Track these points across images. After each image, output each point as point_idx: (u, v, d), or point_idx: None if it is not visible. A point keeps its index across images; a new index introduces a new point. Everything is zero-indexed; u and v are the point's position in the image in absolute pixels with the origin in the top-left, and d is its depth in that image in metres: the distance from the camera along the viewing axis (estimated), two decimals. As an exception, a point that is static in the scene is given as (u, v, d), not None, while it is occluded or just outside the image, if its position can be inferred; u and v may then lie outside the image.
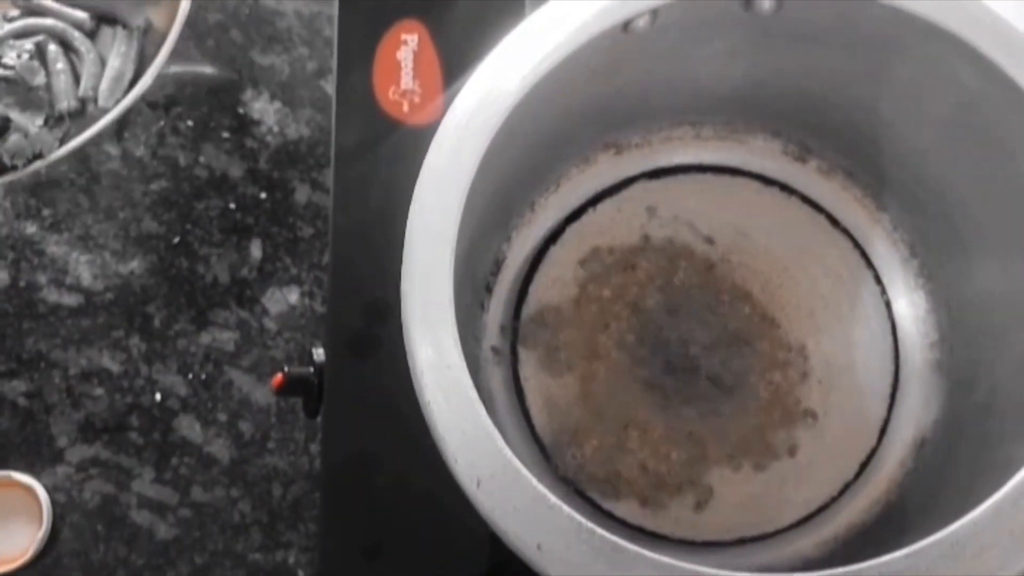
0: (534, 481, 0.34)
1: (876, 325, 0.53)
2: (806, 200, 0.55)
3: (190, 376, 0.71)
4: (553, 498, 0.33)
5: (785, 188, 0.55)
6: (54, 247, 0.73)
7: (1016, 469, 0.35)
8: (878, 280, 0.53)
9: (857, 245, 0.54)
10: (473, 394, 0.35)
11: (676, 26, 0.44)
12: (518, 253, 0.55)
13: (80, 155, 0.74)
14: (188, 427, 0.70)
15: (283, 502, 0.69)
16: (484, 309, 0.55)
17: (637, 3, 0.41)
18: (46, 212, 0.74)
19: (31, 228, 0.73)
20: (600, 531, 0.33)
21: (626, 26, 0.43)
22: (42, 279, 0.73)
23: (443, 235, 0.37)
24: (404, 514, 0.52)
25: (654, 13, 0.42)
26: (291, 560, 0.68)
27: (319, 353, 0.59)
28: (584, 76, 0.46)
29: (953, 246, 0.50)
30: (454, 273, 0.43)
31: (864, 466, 0.51)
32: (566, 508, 0.33)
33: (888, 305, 0.53)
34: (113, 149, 0.75)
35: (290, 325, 0.72)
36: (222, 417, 0.70)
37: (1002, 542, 0.33)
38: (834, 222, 0.54)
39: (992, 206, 0.45)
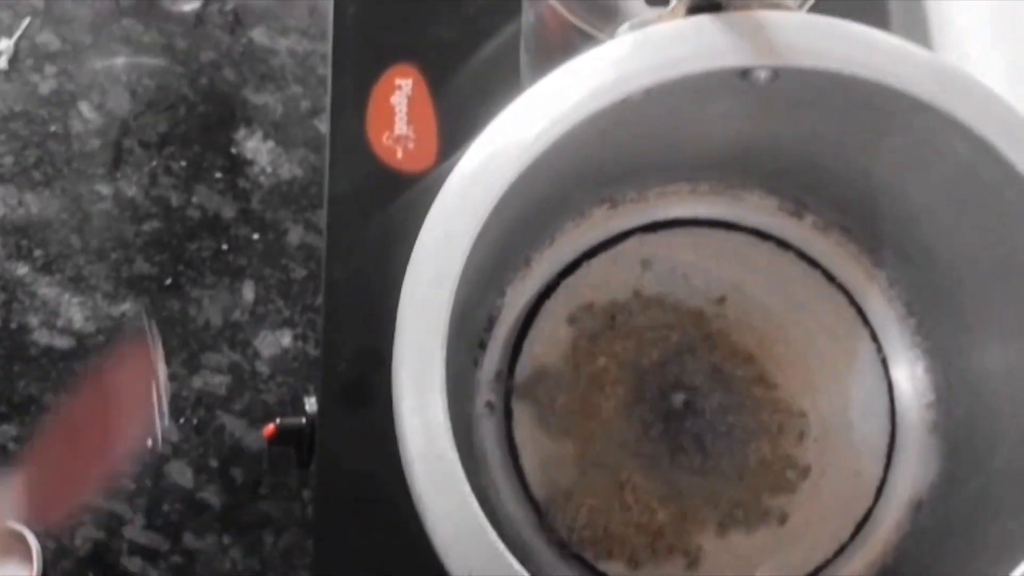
0: (524, 574, 0.33)
1: (872, 384, 0.53)
2: (802, 256, 0.54)
3: (182, 420, 0.70)
4: (545, 593, 0.33)
5: (781, 243, 0.55)
6: (46, 288, 0.73)
7: (1012, 547, 0.35)
8: (874, 338, 0.53)
9: (853, 302, 0.54)
10: (466, 488, 0.34)
11: (673, 94, 0.44)
12: (512, 308, 0.55)
13: (72, 195, 0.74)
14: (179, 473, 0.69)
15: (275, 550, 0.68)
16: (478, 365, 0.54)
17: (638, 81, 0.41)
18: (38, 253, 0.73)
19: (23, 269, 0.73)
20: (593, 627, 0.33)
21: (624, 99, 0.42)
22: (34, 321, 0.72)
23: (435, 323, 0.37)
24: (398, 568, 0.52)
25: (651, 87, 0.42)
26: (283, 608, 0.68)
27: (311, 403, 0.58)
28: (581, 141, 0.46)
29: (950, 307, 0.50)
30: (447, 347, 0.43)
31: (860, 527, 0.51)
32: (558, 604, 0.33)
33: (884, 363, 0.53)
34: (105, 189, 0.74)
35: (282, 368, 0.71)
36: (213, 463, 0.70)
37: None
38: (830, 278, 0.54)
39: (987, 276, 0.45)
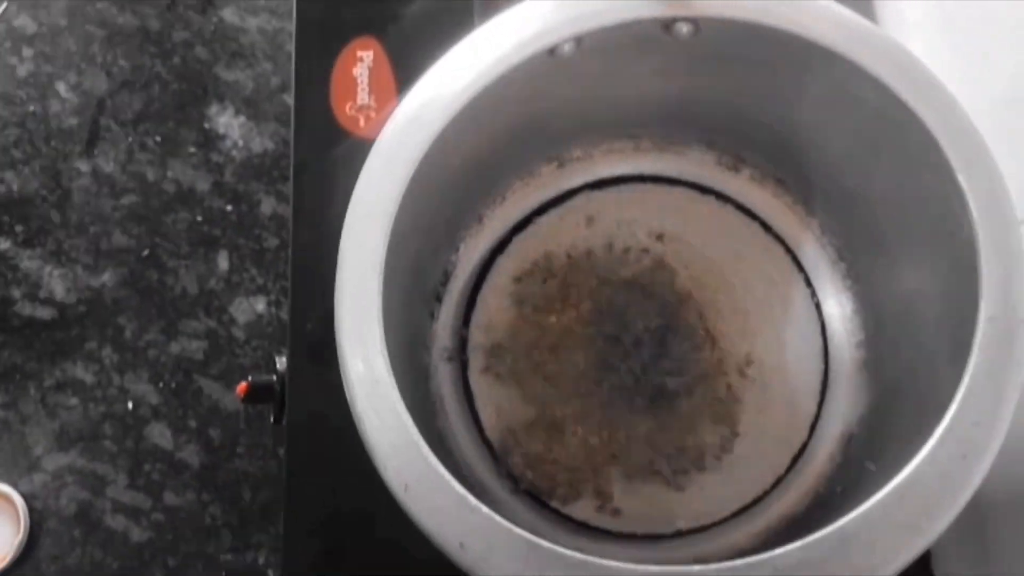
0: (456, 484, 0.36)
1: (807, 326, 0.56)
2: (740, 208, 0.57)
3: (161, 385, 0.73)
4: (473, 500, 0.36)
5: (721, 196, 0.57)
6: (27, 262, 0.75)
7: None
8: (808, 283, 0.56)
9: (789, 250, 0.57)
10: (400, 407, 0.37)
11: (602, 50, 0.46)
12: (466, 263, 0.58)
13: (51, 172, 0.77)
14: (159, 434, 0.72)
15: (253, 505, 0.71)
16: (434, 318, 0.57)
17: (560, 30, 0.44)
18: (19, 228, 0.76)
19: (4, 244, 0.76)
20: (517, 530, 0.36)
21: (552, 51, 0.45)
22: (16, 294, 0.75)
23: (372, 254, 0.39)
24: (367, 519, 0.54)
25: (578, 40, 0.45)
26: (261, 561, 0.71)
27: (282, 361, 0.61)
28: (519, 96, 0.49)
29: (875, 250, 0.52)
30: (396, 287, 0.46)
31: (795, 460, 0.54)
32: (485, 509, 0.36)
33: (818, 307, 0.56)
34: (83, 166, 0.77)
35: (257, 333, 0.74)
36: (192, 424, 0.73)
37: (889, 535, 0.35)
38: (767, 228, 0.57)
39: (904, 213, 0.47)
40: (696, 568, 0.34)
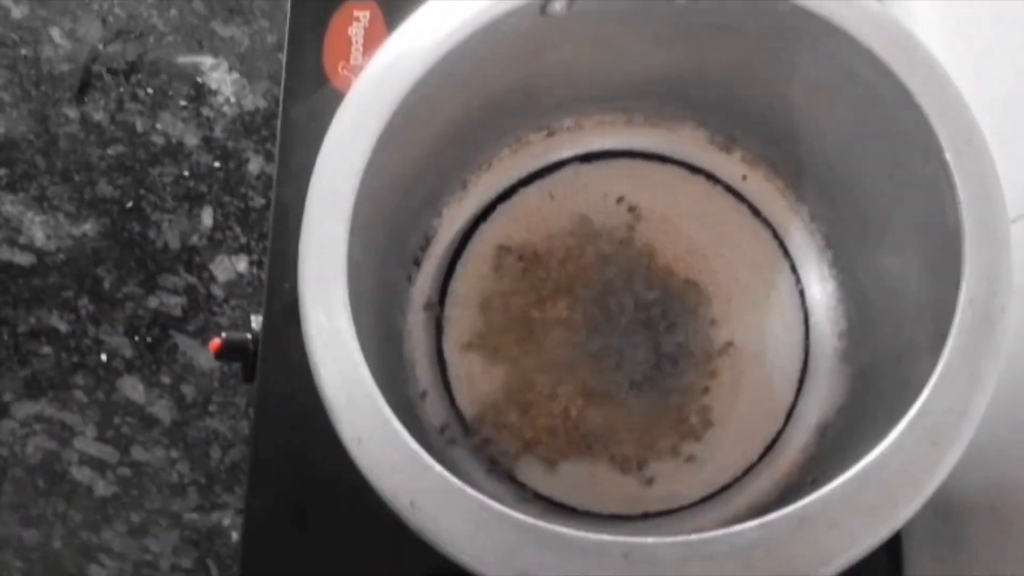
0: (410, 440, 0.35)
1: (789, 313, 0.54)
2: (730, 190, 0.56)
3: (136, 338, 0.72)
4: (427, 458, 0.35)
5: (711, 177, 0.56)
6: (9, 206, 0.74)
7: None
8: (794, 269, 0.55)
9: (776, 236, 0.55)
10: (359, 357, 0.36)
11: (595, 12, 0.45)
12: (448, 230, 0.56)
13: (39, 117, 0.75)
14: (131, 388, 0.71)
15: (221, 465, 0.70)
16: (412, 282, 0.56)
17: (549, -13, 0.42)
18: (2, 172, 0.75)
19: (-13, 187, 0.75)
20: (470, 491, 0.35)
21: (543, 9, 0.44)
22: (-4, 237, 0.74)
23: (340, 204, 0.38)
24: (332, 483, 0.53)
25: (569, -1, 0.44)
26: (226, 522, 0.70)
27: (257, 320, 0.60)
28: (507, 56, 0.47)
29: (862, 237, 0.51)
30: (370, 244, 0.45)
31: (768, 449, 0.53)
32: (438, 467, 0.35)
33: (802, 294, 0.54)
34: (72, 112, 0.76)
35: (237, 293, 0.73)
36: (165, 380, 0.72)
37: (850, 519, 0.34)
38: (756, 212, 0.56)
39: (893, 199, 0.46)
40: (650, 540, 0.33)
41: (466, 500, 0.35)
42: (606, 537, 0.33)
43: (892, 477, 0.35)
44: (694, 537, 0.34)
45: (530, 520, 0.34)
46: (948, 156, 0.37)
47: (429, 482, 0.35)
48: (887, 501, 0.34)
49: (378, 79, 0.40)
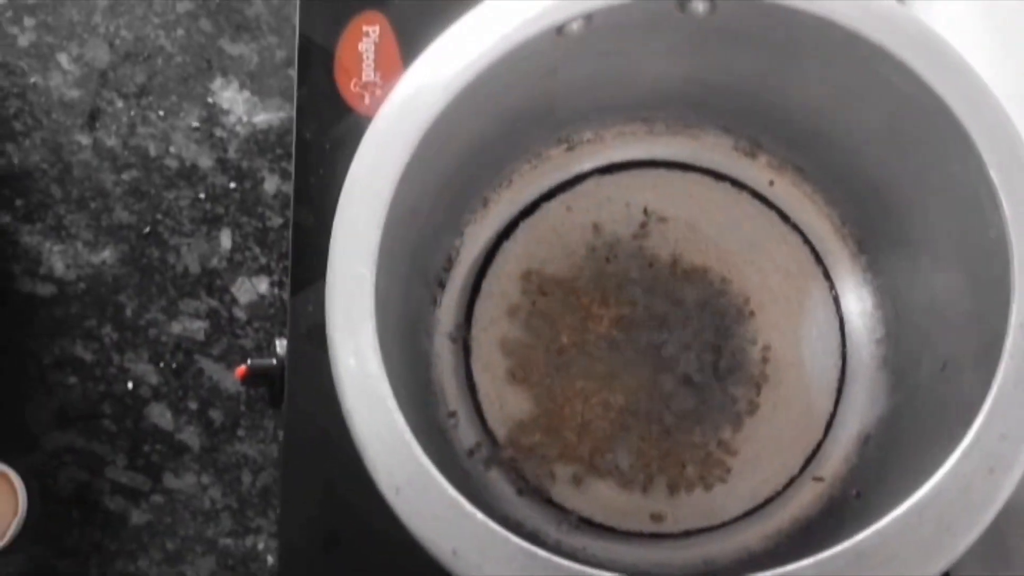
0: (450, 489, 0.34)
1: (824, 321, 0.53)
2: (757, 196, 0.55)
3: (161, 365, 0.72)
4: (468, 505, 0.34)
5: (736, 183, 0.55)
6: (27, 237, 0.74)
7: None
8: (827, 276, 0.54)
9: (807, 241, 0.54)
10: (392, 404, 0.35)
11: (612, 27, 0.44)
12: (471, 249, 0.56)
13: (52, 145, 0.75)
14: (159, 415, 0.71)
15: (252, 489, 0.70)
16: (437, 304, 0.55)
17: (569, 7, 0.41)
18: (18, 203, 0.74)
19: (4, 218, 0.74)
20: (514, 538, 0.34)
21: (560, 30, 0.43)
22: (15, 269, 0.73)
23: (365, 246, 0.38)
24: (363, 505, 0.53)
25: (588, 18, 0.42)
26: (260, 546, 0.69)
27: (282, 344, 0.59)
28: (526, 75, 0.46)
29: (899, 243, 0.50)
30: (394, 272, 0.44)
31: (809, 460, 0.52)
32: (480, 515, 0.34)
33: (836, 301, 0.53)
34: (85, 139, 0.75)
35: (259, 314, 0.73)
36: (192, 405, 0.71)
37: (908, 552, 0.33)
38: (784, 218, 0.55)
39: (930, 206, 0.45)
40: (700, 583, 0.33)
41: (509, 547, 0.34)
42: (656, 583, 0.32)
43: (949, 508, 0.33)
44: (745, 578, 0.33)
45: (576, 567, 0.33)
46: (991, 172, 0.35)
47: (471, 530, 0.34)
48: (945, 533, 0.33)
49: (397, 115, 0.39)
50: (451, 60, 0.41)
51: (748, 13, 0.42)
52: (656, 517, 0.52)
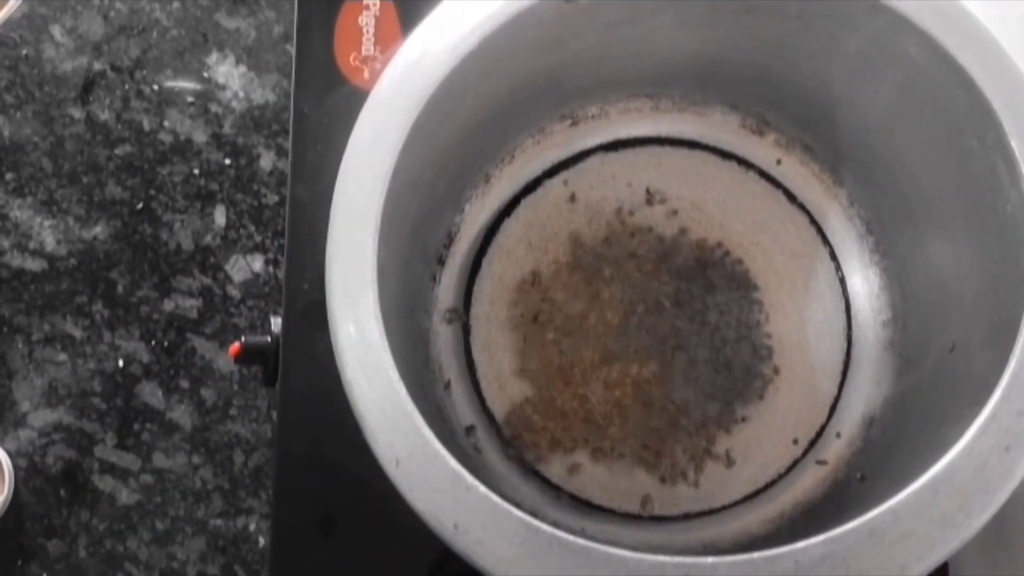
0: (452, 461, 0.34)
1: (830, 302, 0.52)
2: (763, 175, 0.54)
3: (153, 343, 0.71)
4: (470, 478, 0.33)
5: (743, 162, 0.54)
6: (18, 211, 0.73)
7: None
8: (833, 256, 0.53)
9: (813, 221, 0.53)
10: (393, 374, 0.34)
11: (623, -3, 0.43)
12: (471, 225, 0.55)
13: (44, 118, 0.74)
14: (150, 393, 0.70)
15: (244, 469, 0.69)
16: (436, 281, 0.54)
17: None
18: (9, 176, 0.73)
19: (-6, 192, 0.73)
20: (516, 512, 0.33)
21: (568, -4, 0.42)
22: (5, 244, 0.72)
23: (366, 213, 0.37)
24: (359, 488, 0.52)
25: (597, -17, 0.41)
26: (252, 527, 0.68)
27: (276, 322, 0.58)
28: (531, 45, 0.45)
29: (907, 223, 0.49)
30: (393, 247, 0.43)
31: (813, 443, 0.51)
32: (483, 488, 0.33)
33: (843, 282, 0.52)
34: (77, 113, 0.74)
35: (253, 293, 0.72)
36: (184, 384, 0.70)
37: (921, 530, 0.32)
38: (791, 197, 0.54)
39: (941, 183, 0.44)
40: (710, 560, 0.32)
41: (512, 521, 0.33)
42: (663, 558, 0.32)
43: (964, 485, 0.33)
44: (756, 556, 0.32)
45: (580, 541, 0.32)
46: (1012, 143, 0.35)
47: (472, 503, 0.33)
48: (959, 510, 0.32)
49: (400, 81, 0.38)
50: (455, 26, 0.40)
51: (761, -18, 0.41)
52: (655, 500, 0.51)
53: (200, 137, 0.73)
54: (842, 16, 0.41)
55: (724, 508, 0.51)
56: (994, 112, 0.35)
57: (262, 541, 0.68)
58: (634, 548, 0.49)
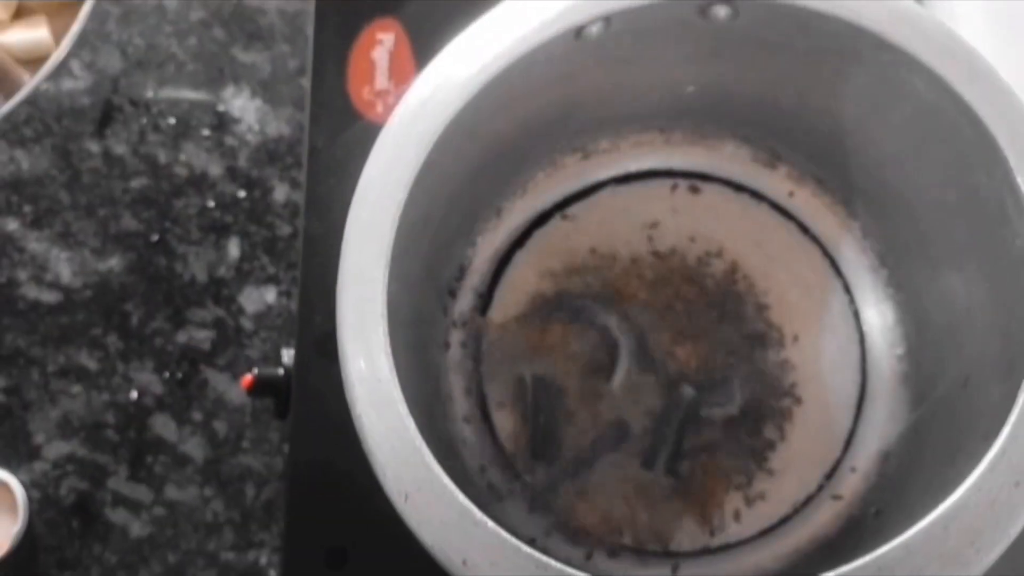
0: (460, 496, 0.33)
1: (844, 335, 0.52)
2: (776, 207, 0.54)
3: (166, 375, 0.71)
4: (479, 513, 0.33)
5: (755, 195, 0.54)
6: (35, 244, 0.73)
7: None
8: (847, 290, 0.53)
9: (827, 254, 0.53)
10: (403, 408, 0.34)
11: (632, 33, 0.43)
12: (483, 258, 0.55)
13: (62, 152, 0.74)
14: (163, 426, 0.70)
15: (256, 502, 0.69)
16: (448, 314, 0.54)
17: (588, 9, 0.41)
18: (27, 209, 0.74)
19: (12, 225, 0.74)
20: (525, 548, 0.33)
21: (578, 33, 0.42)
22: (22, 276, 0.73)
23: (378, 247, 0.37)
24: (370, 520, 0.52)
25: (607, 20, 0.42)
26: (263, 561, 0.68)
27: (288, 354, 0.58)
28: (542, 81, 0.46)
29: (920, 256, 0.49)
30: (405, 281, 0.43)
31: (827, 478, 0.51)
32: (491, 524, 0.33)
33: (856, 315, 0.52)
34: (94, 146, 0.75)
35: (267, 324, 0.72)
36: (197, 416, 0.70)
37: (933, 567, 0.32)
38: (804, 230, 0.54)
39: (952, 217, 0.44)
40: (720, 598, 0.31)
41: (522, 558, 0.33)
42: (674, 597, 0.31)
43: (974, 521, 0.32)
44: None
45: (591, 579, 0.32)
46: (1019, 180, 0.35)
47: (482, 539, 0.33)
48: (969, 547, 0.32)
49: (413, 116, 0.39)
50: (467, 61, 0.40)
51: (771, 18, 0.41)
52: (667, 536, 0.50)
53: (215, 170, 0.74)
54: (849, 52, 0.41)
55: (738, 544, 0.50)
56: (1000, 148, 0.35)
57: (273, 575, 0.68)
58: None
